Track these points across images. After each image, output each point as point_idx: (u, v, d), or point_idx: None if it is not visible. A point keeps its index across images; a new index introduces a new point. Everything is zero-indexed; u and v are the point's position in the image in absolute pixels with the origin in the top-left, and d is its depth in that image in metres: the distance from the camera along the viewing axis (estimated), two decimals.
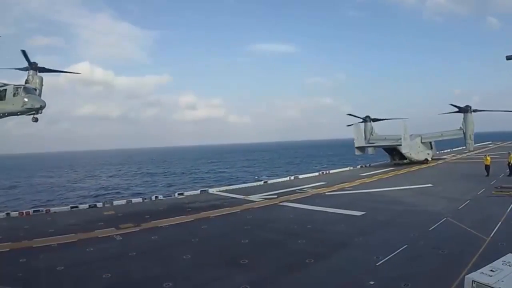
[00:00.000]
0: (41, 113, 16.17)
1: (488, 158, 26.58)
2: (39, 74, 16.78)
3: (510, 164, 25.63)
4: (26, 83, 16.32)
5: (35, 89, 16.16)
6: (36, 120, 16.23)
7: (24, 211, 19.08)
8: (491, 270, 6.09)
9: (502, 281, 5.74)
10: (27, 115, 16.20)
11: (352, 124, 40.78)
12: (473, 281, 5.94)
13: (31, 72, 16.64)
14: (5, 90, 15.97)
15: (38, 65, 16.82)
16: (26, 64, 16.02)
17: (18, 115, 16.33)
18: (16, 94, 15.73)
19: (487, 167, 26.22)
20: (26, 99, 15.61)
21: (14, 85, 16.00)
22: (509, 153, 26.50)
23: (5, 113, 16.27)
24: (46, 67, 16.77)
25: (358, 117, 41.31)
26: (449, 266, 9.19)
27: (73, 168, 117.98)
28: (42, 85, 16.92)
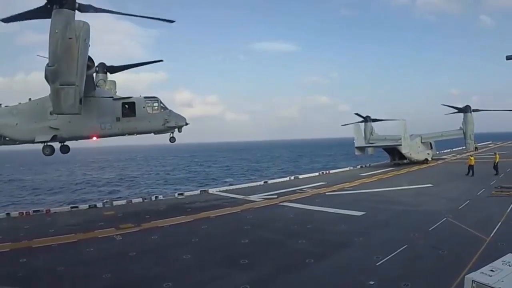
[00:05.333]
0: (181, 131, 13.31)
1: (472, 158, 27.28)
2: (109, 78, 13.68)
3: (495, 164, 26.29)
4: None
5: None
6: (174, 140, 13.39)
7: (24, 211, 19.05)
8: (491, 270, 6.09)
9: (502, 281, 5.75)
10: (161, 134, 13.34)
11: (352, 123, 40.63)
12: (473, 281, 5.94)
13: (101, 75, 13.36)
14: (133, 103, 12.67)
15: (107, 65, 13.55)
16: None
17: (150, 133, 13.22)
18: (152, 109, 12.75)
19: (470, 167, 26.67)
20: (168, 116, 12.74)
21: (146, 98, 12.93)
22: (495, 153, 27.29)
23: (133, 133, 12.99)
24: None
25: (362, 116, 41.06)
26: (449, 266, 9.20)
27: (70, 164, 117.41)
28: (116, 91, 13.68)
